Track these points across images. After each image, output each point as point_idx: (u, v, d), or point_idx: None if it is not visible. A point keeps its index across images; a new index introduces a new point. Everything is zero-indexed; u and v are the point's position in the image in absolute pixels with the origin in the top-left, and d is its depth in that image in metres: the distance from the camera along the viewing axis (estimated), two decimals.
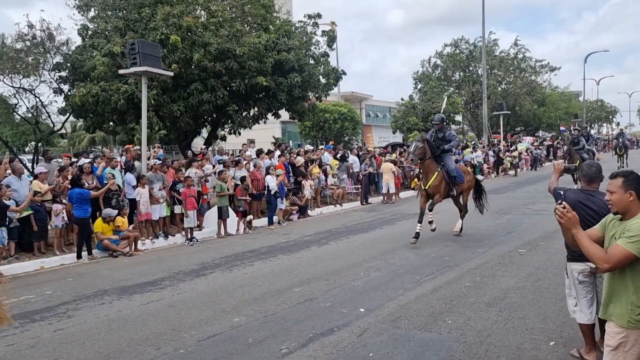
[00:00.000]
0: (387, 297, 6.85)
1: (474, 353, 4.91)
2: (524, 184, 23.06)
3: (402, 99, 41.17)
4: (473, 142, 34.29)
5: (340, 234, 12.33)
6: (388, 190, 18.53)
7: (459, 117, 44.12)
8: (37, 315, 6.84)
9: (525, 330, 5.44)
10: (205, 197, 13.48)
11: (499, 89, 44.91)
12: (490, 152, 28.50)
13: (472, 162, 28.19)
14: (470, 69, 45.06)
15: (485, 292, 6.91)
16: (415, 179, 21.73)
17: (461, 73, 45.40)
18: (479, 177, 26.39)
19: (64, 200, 10.98)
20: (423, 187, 10.65)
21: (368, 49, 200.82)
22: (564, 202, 3.15)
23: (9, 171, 10.23)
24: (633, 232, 3.02)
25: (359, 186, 18.89)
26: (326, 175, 17.84)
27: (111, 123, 19.48)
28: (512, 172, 28.46)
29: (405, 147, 26.44)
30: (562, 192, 3.18)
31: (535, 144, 35.89)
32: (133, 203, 11.95)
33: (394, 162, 19.60)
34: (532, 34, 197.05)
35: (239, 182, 13.68)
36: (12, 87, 19.79)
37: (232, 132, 21.08)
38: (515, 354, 4.87)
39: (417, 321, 5.87)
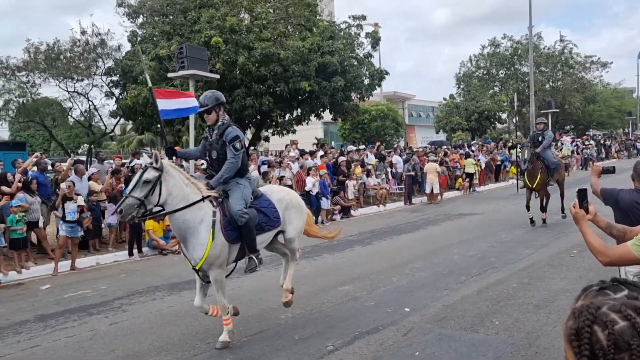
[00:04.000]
0: (432, 297, 6.83)
1: (522, 355, 4.85)
2: (573, 184, 22.29)
3: (444, 99, 40.65)
4: (518, 143, 33.41)
5: (383, 234, 12.31)
6: (432, 191, 18.34)
7: (504, 116, 43.12)
8: (93, 309, 7.16)
9: None
10: None
11: (547, 86, 43.59)
12: None
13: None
14: (516, 67, 43.94)
15: (533, 293, 6.78)
16: (460, 179, 21.57)
17: (505, 71, 44.35)
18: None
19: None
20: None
21: (412, 48, 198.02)
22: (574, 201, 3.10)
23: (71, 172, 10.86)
24: None
25: (402, 186, 18.78)
26: (368, 175, 17.83)
27: (159, 125, 20.03)
28: None
29: (452, 147, 26.00)
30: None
31: (587, 142, 34.42)
32: None
33: (439, 162, 19.41)
34: (581, 29, 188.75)
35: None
36: (67, 91, 20.78)
37: (275, 133, 21.33)
38: None
39: (463, 322, 5.83)
